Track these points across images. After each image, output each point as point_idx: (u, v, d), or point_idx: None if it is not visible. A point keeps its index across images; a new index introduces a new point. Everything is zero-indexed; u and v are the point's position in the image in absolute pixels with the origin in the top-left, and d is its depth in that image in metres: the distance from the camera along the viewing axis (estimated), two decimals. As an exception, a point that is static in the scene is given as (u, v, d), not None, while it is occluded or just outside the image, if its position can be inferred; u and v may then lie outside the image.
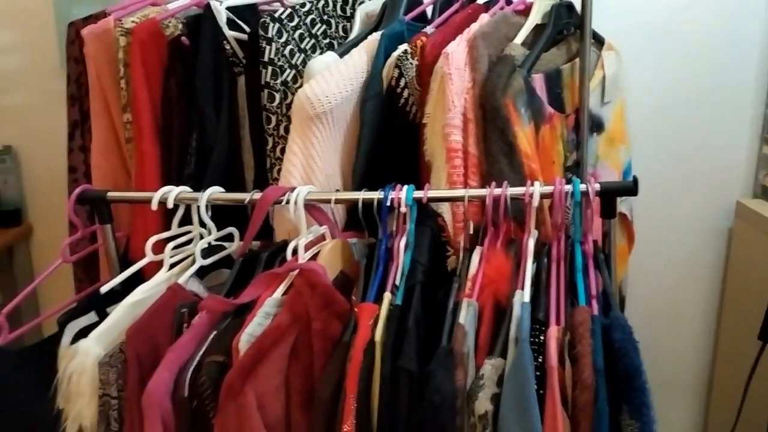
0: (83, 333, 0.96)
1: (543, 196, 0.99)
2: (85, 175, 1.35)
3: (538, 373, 0.82)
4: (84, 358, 0.92)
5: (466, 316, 0.90)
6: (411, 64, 1.15)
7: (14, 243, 1.76)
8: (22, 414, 0.99)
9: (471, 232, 1.03)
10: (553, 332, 0.85)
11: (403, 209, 1.00)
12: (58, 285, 1.38)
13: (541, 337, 0.88)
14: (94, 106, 1.28)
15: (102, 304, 1.04)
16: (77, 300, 1.17)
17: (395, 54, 1.16)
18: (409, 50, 1.15)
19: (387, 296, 0.93)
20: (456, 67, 1.11)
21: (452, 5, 1.30)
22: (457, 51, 1.12)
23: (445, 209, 1.10)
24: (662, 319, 1.84)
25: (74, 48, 1.33)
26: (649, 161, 1.67)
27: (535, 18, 1.26)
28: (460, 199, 1.01)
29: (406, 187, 1.01)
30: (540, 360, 0.86)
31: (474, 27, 1.18)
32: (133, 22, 1.22)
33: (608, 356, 0.82)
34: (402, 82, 1.15)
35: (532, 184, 0.99)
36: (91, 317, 1.03)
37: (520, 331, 0.85)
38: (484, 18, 1.23)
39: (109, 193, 1.09)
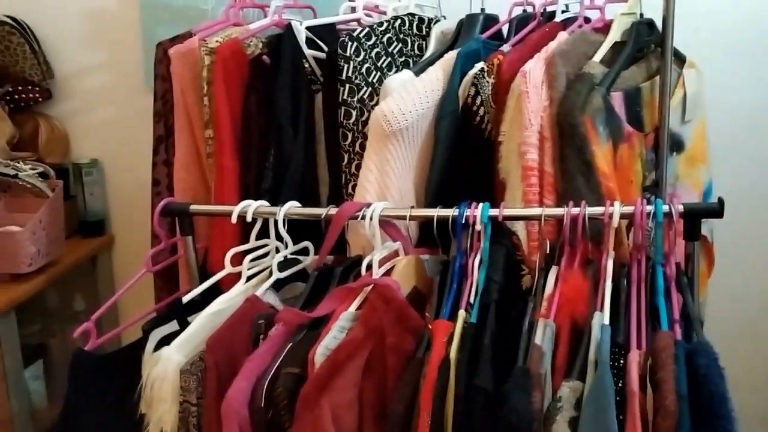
0: (166, 341, 1.00)
1: (623, 217, 0.97)
2: (167, 188, 1.40)
3: (617, 398, 0.80)
4: (166, 366, 0.95)
5: (542, 336, 0.88)
6: (487, 82, 1.15)
7: (98, 252, 1.84)
8: (107, 416, 1.03)
9: (547, 251, 1.02)
10: (635, 356, 0.83)
11: (478, 227, 0.99)
12: (137, 293, 1.42)
13: (621, 361, 0.86)
14: (177, 122, 1.33)
15: (183, 314, 1.07)
16: (159, 309, 1.21)
17: (471, 72, 1.16)
18: (486, 68, 1.15)
19: (461, 314, 0.92)
20: (533, 85, 1.10)
21: (529, 23, 1.30)
22: (534, 69, 1.11)
23: (519, 228, 1.09)
24: (742, 347, 1.76)
25: (161, 66, 1.39)
26: (731, 182, 1.61)
27: (614, 35, 1.24)
28: (537, 218, 1.00)
29: (481, 205, 1.00)
30: (620, 385, 0.83)
31: (552, 45, 1.18)
32: (216, 41, 1.27)
33: (692, 382, 0.79)
34: (478, 100, 1.15)
35: (611, 204, 0.97)
36: (173, 326, 1.06)
37: (600, 353, 0.83)
38: (562, 36, 1.22)
39: (192, 206, 1.13)
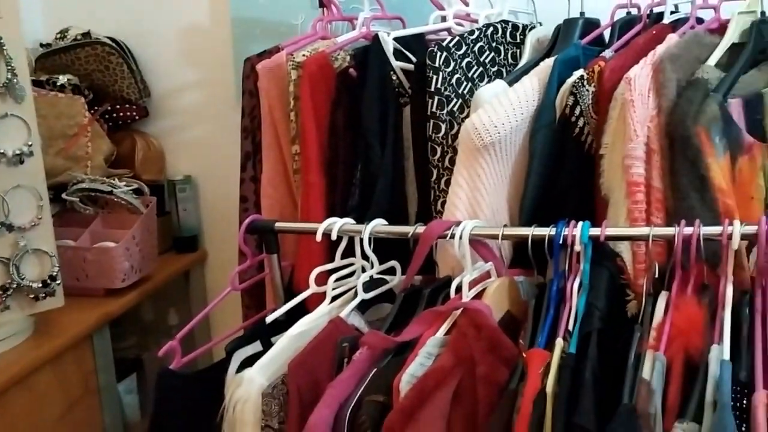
0: (249, 362, 0.98)
1: (743, 237, 0.88)
2: (255, 205, 1.40)
3: (742, 445, 0.71)
4: (249, 388, 0.94)
5: (651, 371, 0.81)
6: (587, 90, 1.08)
7: (191, 267, 1.87)
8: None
9: (656, 275, 0.93)
10: (762, 398, 0.74)
11: (577, 248, 0.93)
12: (228, 309, 1.44)
13: (744, 402, 0.77)
14: (265, 138, 1.33)
15: (267, 334, 1.06)
16: (244, 327, 1.20)
17: (570, 80, 1.09)
18: (586, 76, 1.08)
19: (559, 343, 0.86)
20: (639, 93, 1.02)
21: (633, 26, 1.21)
22: (640, 75, 1.03)
23: (624, 249, 1.02)
24: None
25: (249, 82, 1.40)
26: None
27: (732, 36, 1.14)
28: (644, 238, 0.92)
29: (581, 223, 0.94)
30: (743, 429, 0.74)
31: (660, 49, 1.09)
32: (303, 55, 1.26)
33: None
34: (577, 110, 1.08)
35: (731, 223, 0.88)
36: (256, 346, 1.05)
37: (720, 393, 0.75)
38: (672, 39, 1.13)
39: (277, 224, 1.12)
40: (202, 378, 1.07)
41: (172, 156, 1.89)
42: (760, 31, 1.14)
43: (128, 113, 1.79)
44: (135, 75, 1.76)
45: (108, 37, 1.75)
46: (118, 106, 1.77)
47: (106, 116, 1.76)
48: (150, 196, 1.67)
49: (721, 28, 1.17)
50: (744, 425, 0.76)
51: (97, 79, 1.73)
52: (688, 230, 0.89)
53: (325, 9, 1.42)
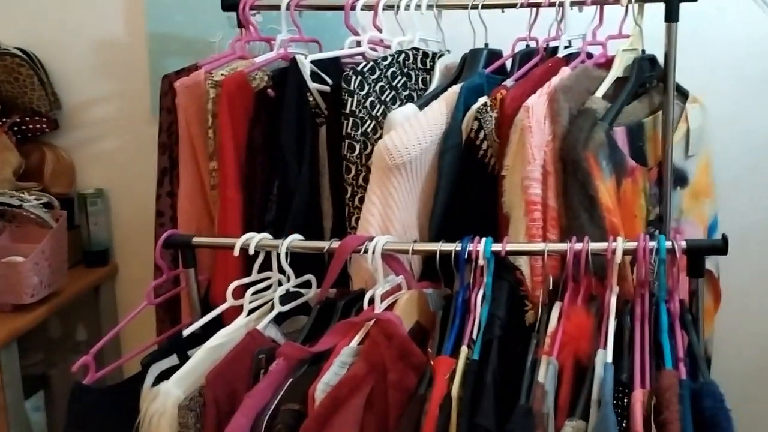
0: (165, 375, 0.99)
1: (626, 253, 0.97)
2: (171, 220, 1.40)
3: (621, 438, 0.79)
4: (165, 401, 0.94)
5: (546, 374, 0.88)
6: (490, 116, 1.15)
7: (101, 282, 1.83)
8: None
9: (550, 287, 1.01)
10: (638, 396, 0.82)
11: (481, 262, 0.99)
12: (139, 325, 1.42)
13: (625, 400, 0.85)
14: (182, 153, 1.34)
15: (183, 347, 1.06)
16: (159, 342, 1.20)
17: (475, 106, 1.16)
18: (489, 103, 1.16)
19: (464, 350, 0.92)
20: (536, 120, 1.10)
21: (532, 58, 1.30)
22: (537, 104, 1.12)
23: (523, 262, 1.09)
24: (752, 384, 1.73)
25: (167, 99, 1.40)
26: (740, 217, 1.60)
27: (617, 71, 1.24)
28: (540, 253, 1.00)
29: (484, 239, 1.00)
30: (624, 425, 0.82)
31: (555, 80, 1.18)
32: (222, 74, 1.28)
33: (697, 424, 0.78)
34: (481, 134, 1.16)
35: (615, 240, 0.97)
36: (173, 359, 1.05)
37: (603, 393, 0.82)
38: (565, 71, 1.22)
39: (195, 239, 1.13)
40: (117, 392, 1.06)
41: (84, 169, 1.85)
42: (641, 67, 1.26)
43: (38, 125, 1.74)
44: (45, 87, 1.72)
45: (18, 48, 1.70)
46: (27, 118, 1.72)
47: (15, 128, 1.71)
48: (60, 209, 1.64)
49: (608, 63, 1.27)
50: (624, 421, 0.84)
51: (6, 90, 1.68)
52: (579, 246, 0.98)
53: (243, 29, 1.44)
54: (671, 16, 1.24)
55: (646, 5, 1.28)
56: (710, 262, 1.33)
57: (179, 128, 1.33)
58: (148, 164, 1.52)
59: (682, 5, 1.24)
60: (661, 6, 1.25)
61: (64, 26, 1.79)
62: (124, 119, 1.83)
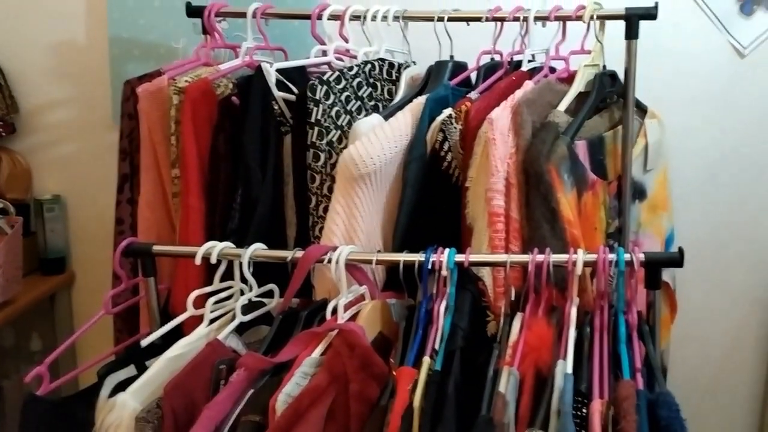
0: (122, 386, 0.97)
1: (586, 265, 0.98)
2: (131, 228, 1.38)
3: (581, 448, 0.80)
4: (121, 412, 0.92)
5: (506, 384, 0.88)
6: (455, 128, 1.16)
7: (57, 290, 1.79)
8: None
9: (512, 297, 1.02)
10: (597, 406, 0.83)
11: (444, 272, 1.00)
12: (96, 335, 1.38)
13: (584, 410, 0.86)
14: (144, 160, 1.32)
15: (141, 358, 1.05)
16: (117, 352, 1.18)
17: (440, 118, 1.17)
18: (454, 115, 1.17)
19: (426, 361, 0.92)
20: (500, 133, 1.12)
21: (496, 71, 1.32)
22: (501, 117, 1.13)
23: (485, 273, 1.10)
24: (707, 392, 1.77)
25: (128, 105, 1.38)
26: (695, 229, 1.64)
27: (578, 86, 1.27)
28: (502, 264, 1.01)
29: (447, 250, 1.01)
30: (583, 434, 0.83)
31: (518, 93, 1.20)
32: (186, 81, 1.26)
33: (654, 433, 0.79)
34: (446, 146, 1.17)
35: (575, 252, 0.99)
36: (130, 370, 1.03)
37: (563, 403, 0.83)
38: (528, 85, 1.24)
39: (155, 247, 1.11)
40: (72, 404, 1.03)
41: (41, 174, 1.81)
42: (602, 82, 1.28)
43: (-7, 129, 1.70)
44: (3, 89, 1.68)
45: (-27, 50, 1.67)
46: (-19, 122, 1.69)
47: (-31, 132, 1.67)
48: (16, 215, 1.59)
49: (570, 78, 1.30)
50: (583, 431, 0.85)
51: (-40, 92, 1.64)
52: (540, 258, 0.99)
53: (208, 36, 1.43)
54: (631, 33, 1.27)
55: (607, 22, 1.30)
56: (667, 274, 1.36)
57: (141, 134, 1.31)
58: (107, 170, 1.49)
59: (642, 22, 1.27)
60: (622, 23, 1.28)
61: (24, 28, 1.76)
62: (84, 124, 1.80)
